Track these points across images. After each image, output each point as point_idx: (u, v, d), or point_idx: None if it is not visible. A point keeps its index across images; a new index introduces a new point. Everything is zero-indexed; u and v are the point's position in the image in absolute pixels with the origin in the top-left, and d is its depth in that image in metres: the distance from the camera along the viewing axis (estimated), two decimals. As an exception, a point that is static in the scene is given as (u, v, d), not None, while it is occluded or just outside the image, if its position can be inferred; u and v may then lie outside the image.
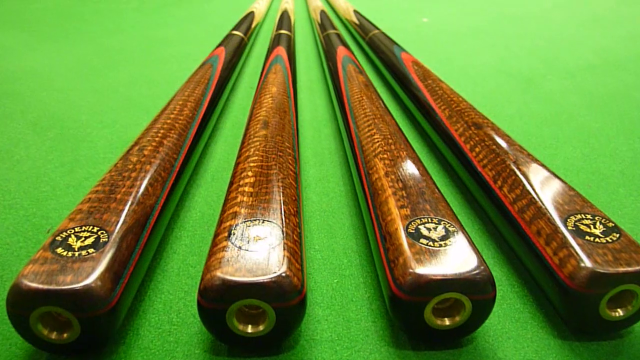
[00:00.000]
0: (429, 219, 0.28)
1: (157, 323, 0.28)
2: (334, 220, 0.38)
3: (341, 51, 0.70)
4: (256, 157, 0.35)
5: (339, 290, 0.31)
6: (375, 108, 0.45)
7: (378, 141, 0.38)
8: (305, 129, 0.56)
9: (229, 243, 0.26)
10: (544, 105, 0.62)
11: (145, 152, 0.36)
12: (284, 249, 0.26)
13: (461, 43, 0.97)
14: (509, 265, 0.33)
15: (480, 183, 0.36)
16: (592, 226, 0.28)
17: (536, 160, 0.35)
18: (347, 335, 0.27)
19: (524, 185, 0.32)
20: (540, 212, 0.29)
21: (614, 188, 0.42)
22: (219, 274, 0.24)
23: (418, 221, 0.28)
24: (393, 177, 0.33)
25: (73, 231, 0.27)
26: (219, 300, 0.24)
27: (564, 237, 0.27)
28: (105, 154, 0.50)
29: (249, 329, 0.25)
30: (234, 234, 0.27)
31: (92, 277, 0.24)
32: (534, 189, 0.31)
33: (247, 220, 0.28)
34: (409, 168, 0.34)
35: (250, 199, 0.30)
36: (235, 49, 0.75)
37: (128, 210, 0.30)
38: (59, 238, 0.27)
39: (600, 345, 0.26)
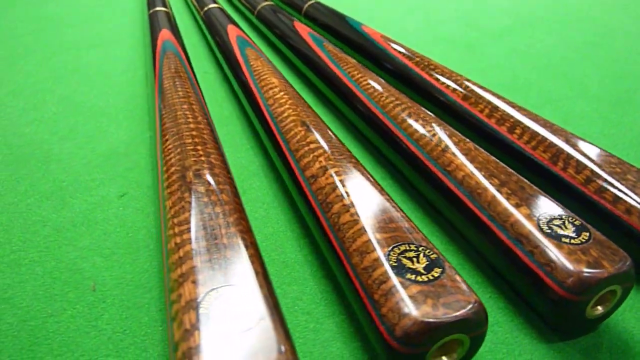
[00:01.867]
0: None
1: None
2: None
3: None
4: (337, 169, 0.33)
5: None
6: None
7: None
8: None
9: (395, 279, 0.24)
10: (498, 71, 0.66)
11: (205, 178, 0.31)
12: (456, 273, 0.25)
13: (380, 9, 0.98)
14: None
15: (531, 164, 0.38)
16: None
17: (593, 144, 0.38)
18: (499, 341, 0.28)
19: (590, 167, 0.34)
20: (622, 192, 0.32)
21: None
22: (417, 316, 0.22)
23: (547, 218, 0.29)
24: (482, 173, 0.33)
25: (212, 298, 0.23)
26: (423, 343, 0.22)
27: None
28: (89, 175, 0.42)
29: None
30: (393, 264, 0.25)
31: (277, 347, 0.21)
32: (602, 172, 0.34)
33: (396, 246, 0.26)
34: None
35: (374, 221, 0.28)
36: (174, 28, 0.66)
37: (248, 255, 0.26)
38: (203, 310, 0.22)
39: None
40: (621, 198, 0.32)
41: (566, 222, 0.29)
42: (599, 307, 0.27)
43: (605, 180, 0.33)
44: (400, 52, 0.56)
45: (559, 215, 0.29)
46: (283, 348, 0.20)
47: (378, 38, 0.61)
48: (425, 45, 0.76)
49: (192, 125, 0.38)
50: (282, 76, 0.49)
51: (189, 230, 0.27)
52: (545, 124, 0.40)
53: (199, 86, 0.48)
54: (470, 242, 0.34)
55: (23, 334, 0.27)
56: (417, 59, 0.54)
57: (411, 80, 0.53)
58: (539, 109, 0.55)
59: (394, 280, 0.24)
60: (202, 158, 0.34)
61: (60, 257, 0.33)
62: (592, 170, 0.34)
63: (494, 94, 0.45)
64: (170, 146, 0.36)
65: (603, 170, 0.34)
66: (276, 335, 0.21)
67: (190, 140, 0.36)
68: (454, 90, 0.47)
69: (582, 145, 0.37)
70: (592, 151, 0.36)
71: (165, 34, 0.61)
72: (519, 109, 0.42)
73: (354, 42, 0.64)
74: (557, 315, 0.27)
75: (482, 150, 0.36)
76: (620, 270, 0.26)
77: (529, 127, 0.40)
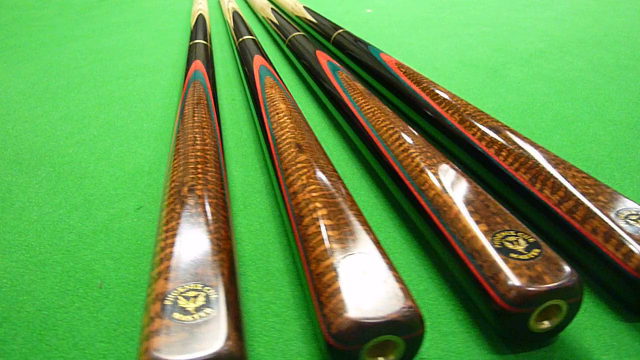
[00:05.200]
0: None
1: (267, 368, 0.29)
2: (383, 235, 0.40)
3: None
4: (314, 186, 0.36)
5: (424, 307, 0.33)
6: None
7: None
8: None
9: (343, 281, 0.27)
10: (517, 95, 0.67)
11: (197, 192, 0.36)
12: (397, 281, 0.27)
13: (414, 34, 1.01)
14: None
15: (516, 187, 0.39)
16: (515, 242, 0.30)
17: (563, 162, 0.39)
18: (450, 349, 0.29)
19: (565, 187, 0.35)
20: (591, 212, 0.33)
21: (609, 173, 0.47)
22: (350, 315, 0.25)
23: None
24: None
25: (178, 292, 0.27)
26: (355, 341, 0.25)
27: (619, 233, 0.31)
28: (114, 190, 0.47)
29: None
30: (342, 270, 0.28)
31: (223, 338, 0.24)
32: (575, 190, 0.35)
33: (348, 255, 0.29)
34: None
35: (334, 232, 0.31)
36: (208, 60, 0.73)
37: (217, 259, 0.29)
38: (167, 302, 0.26)
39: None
40: (589, 218, 0.33)
41: (520, 239, 0.30)
42: (545, 322, 0.28)
43: (577, 201, 0.34)
44: (410, 77, 0.59)
45: (514, 232, 0.31)
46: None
47: (392, 65, 0.64)
48: (448, 69, 0.78)
49: (198, 147, 0.43)
50: (292, 103, 0.53)
51: (174, 235, 0.31)
52: (532, 146, 0.41)
53: (217, 112, 0.54)
54: (439, 255, 0.36)
55: (37, 321, 0.32)
56: (424, 85, 0.56)
57: (417, 105, 0.55)
58: (549, 131, 0.56)
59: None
60: (200, 175, 0.38)
61: (79, 259, 0.38)
62: (566, 191, 0.35)
63: (489, 118, 0.47)
64: (176, 164, 0.40)
65: (577, 190, 0.35)
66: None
67: (193, 160, 0.40)
68: (453, 113, 0.49)
69: (562, 166, 0.38)
70: (570, 173, 0.37)
71: (197, 64, 0.67)
72: (511, 131, 0.44)
73: (372, 68, 0.68)
74: (501, 326, 0.28)
75: (459, 170, 0.38)
76: (561, 285, 0.27)
77: (514, 150, 0.41)
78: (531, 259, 0.29)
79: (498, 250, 0.29)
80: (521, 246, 0.29)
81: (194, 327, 0.25)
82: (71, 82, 0.78)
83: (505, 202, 0.43)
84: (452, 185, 0.36)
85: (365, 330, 0.25)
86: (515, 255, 0.29)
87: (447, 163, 0.39)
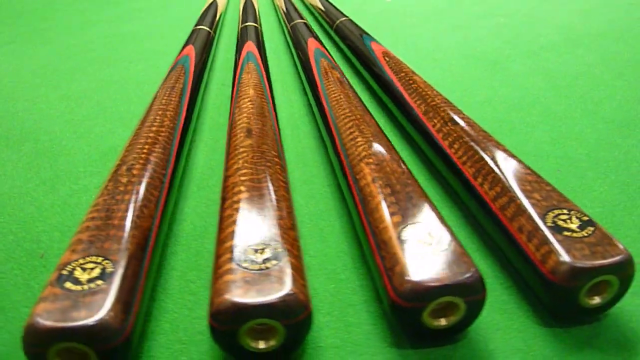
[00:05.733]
0: (419, 225, 0.30)
1: (167, 343, 0.29)
2: (324, 223, 0.40)
3: (312, 44, 0.70)
4: (246, 170, 0.36)
5: (337, 296, 0.32)
6: (354, 108, 0.47)
7: (362, 144, 0.39)
8: (283, 127, 0.56)
9: (234, 265, 0.27)
10: (511, 89, 0.64)
11: (134, 172, 0.37)
12: (288, 267, 0.27)
13: (426, 25, 0.98)
14: (494, 258, 0.35)
15: (462, 180, 0.38)
16: (568, 221, 0.30)
17: (513, 156, 0.37)
18: (350, 340, 0.29)
19: (503, 183, 0.34)
20: (521, 209, 0.31)
21: (582, 172, 0.45)
22: (229, 297, 0.25)
23: (410, 227, 0.30)
24: (381, 182, 0.34)
25: (78, 263, 0.28)
26: (231, 322, 0.25)
27: (544, 233, 0.29)
28: (84, 167, 0.49)
29: (261, 345, 0.26)
30: (236, 254, 0.28)
31: (105, 310, 0.25)
32: (513, 186, 0.33)
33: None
34: (395, 172, 0.35)
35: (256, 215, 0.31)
36: (204, 46, 0.74)
37: (128, 236, 0.30)
38: (65, 272, 0.27)
39: (581, 329, 0.29)
40: (518, 215, 0.31)
41: (431, 232, 0.29)
42: (442, 320, 0.27)
43: (512, 197, 0.33)
44: (391, 67, 0.58)
45: (426, 227, 0.30)
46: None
47: (379, 54, 0.63)
48: (447, 61, 0.76)
49: (153, 129, 0.44)
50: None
51: (97, 210, 0.32)
52: (486, 140, 0.39)
53: (195, 93, 0.55)
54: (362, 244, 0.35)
55: (-25, 284, 0.35)
56: (402, 74, 0.55)
57: (393, 94, 0.54)
58: (532, 126, 0.54)
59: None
60: (143, 155, 0.39)
61: (31, 230, 0.40)
62: (503, 187, 0.34)
63: (454, 110, 0.45)
64: (128, 145, 0.41)
65: (515, 186, 0.34)
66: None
67: (142, 141, 0.41)
68: (420, 104, 0.48)
69: (508, 161, 0.36)
70: (513, 168, 0.35)
71: (188, 49, 0.69)
72: (470, 124, 0.42)
73: (362, 56, 0.67)
74: (395, 319, 0.28)
75: (400, 162, 0.37)
76: (457, 281, 0.26)
77: (467, 142, 0.40)
78: (439, 252, 0.28)
79: (402, 242, 0.29)
80: (430, 240, 0.29)
81: (79, 297, 0.25)
82: (79, 65, 0.82)
83: (456, 195, 0.42)
84: (384, 176, 0.35)
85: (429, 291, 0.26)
86: (418, 249, 0.28)
87: (390, 153, 0.38)
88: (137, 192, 0.34)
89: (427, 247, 0.28)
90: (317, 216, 0.40)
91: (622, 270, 0.27)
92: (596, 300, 0.28)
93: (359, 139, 0.40)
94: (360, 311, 0.31)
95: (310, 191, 0.44)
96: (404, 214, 0.31)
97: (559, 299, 0.28)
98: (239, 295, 0.25)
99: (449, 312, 0.27)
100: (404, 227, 0.30)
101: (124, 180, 0.36)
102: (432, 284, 0.26)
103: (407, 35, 0.91)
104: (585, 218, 0.30)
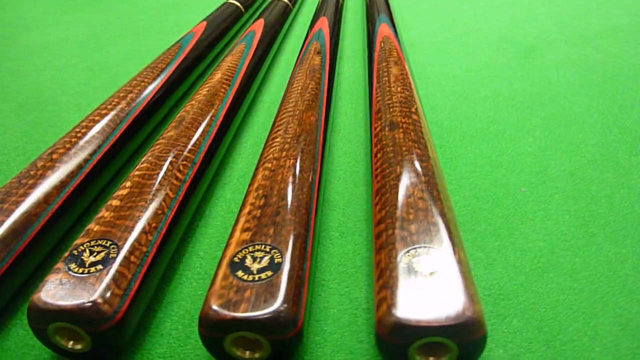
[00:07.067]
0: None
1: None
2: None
3: (322, 23, 0.66)
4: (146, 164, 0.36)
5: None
6: (298, 102, 0.43)
7: (276, 145, 0.37)
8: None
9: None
10: (530, 83, 0.56)
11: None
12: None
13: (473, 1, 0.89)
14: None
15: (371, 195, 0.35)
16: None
17: (425, 174, 0.33)
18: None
19: (388, 208, 0.30)
20: (388, 242, 0.28)
21: (549, 195, 0.39)
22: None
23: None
24: (260, 192, 0.32)
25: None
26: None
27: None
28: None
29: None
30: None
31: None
32: (396, 214, 0.30)
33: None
34: (284, 182, 0.33)
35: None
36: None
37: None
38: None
39: None
40: (382, 248, 0.28)
41: (266, 256, 0.27)
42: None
43: (388, 225, 0.29)
44: (378, 54, 0.54)
45: (268, 249, 0.28)
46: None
47: (379, 37, 0.59)
48: (476, 44, 0.68)
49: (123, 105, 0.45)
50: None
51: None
52: (409, 152, 0.35)
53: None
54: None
55: None
56: (383, 64, 0.51)
57: (370, 87, 0.50)
58: (525, 132, 0.47)
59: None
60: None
61: None
62: (387, 212, 0.30)
63: (406, 111, 0.41)
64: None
65: (397, 213, 0.30)
66: None
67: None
68: (379, 100, 0.44)
69: (413, 184, 0.32)
70: (411, 191, 0.31)
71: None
72: (407, 132, 0.38)
73: (368, 39, 0.63)
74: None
75: (302, 173, 0.34)
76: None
77: (387, 153, 0.36)
78: (253, 281, 0.26)
79: (232, 265, 0.27)
80: (257, 265, 0.27)
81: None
82: (119, 35, 0.86)
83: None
84: (273, 185, 0.33)
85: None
86: (241, 274, 0.26)
87: (292, 160, 0.35)
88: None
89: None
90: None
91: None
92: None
93: (277, 139, 0.38)
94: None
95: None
96: (255, 230, 0.29)
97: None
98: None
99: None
100: (247, 248, 0.28)
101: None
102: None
103: (447, 13, 0.83)
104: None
